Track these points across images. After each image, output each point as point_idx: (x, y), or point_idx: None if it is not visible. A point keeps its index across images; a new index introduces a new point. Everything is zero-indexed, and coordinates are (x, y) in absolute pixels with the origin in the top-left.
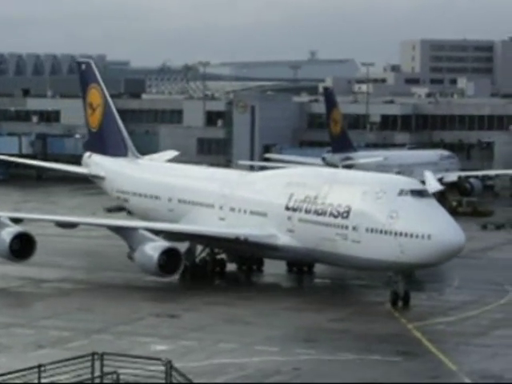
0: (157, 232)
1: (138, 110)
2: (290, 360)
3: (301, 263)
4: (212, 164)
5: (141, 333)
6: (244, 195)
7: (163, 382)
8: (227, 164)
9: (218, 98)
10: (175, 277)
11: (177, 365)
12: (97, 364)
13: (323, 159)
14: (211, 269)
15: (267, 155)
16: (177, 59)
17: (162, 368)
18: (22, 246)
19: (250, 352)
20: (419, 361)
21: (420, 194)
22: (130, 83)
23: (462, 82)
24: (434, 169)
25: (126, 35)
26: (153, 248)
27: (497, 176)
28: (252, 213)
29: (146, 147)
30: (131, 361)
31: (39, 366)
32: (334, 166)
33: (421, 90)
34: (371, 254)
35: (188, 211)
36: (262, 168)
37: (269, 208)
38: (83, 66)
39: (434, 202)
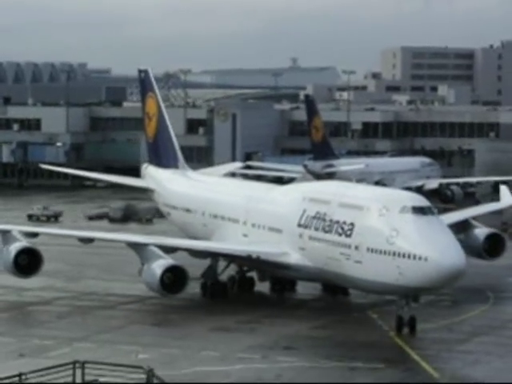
0: (175, 249)
1: (120, 118)
2: (272, 367)
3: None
4: None
5: (123, 341)
6: (264, 211)
7: None
8: None
9: (199, 105)
10: (181, 295)
11: (159, 373)
12: (78, 372)
13: (305, 167)
14: (239, 287)
15: (249, 163)
16: (158, 67)
17: (144, 376)
18: (29, 261)
19: (233, 360)
20: (401, 368)
21: (422, 211)
22: (112, 91)
23: (443, 90)
24: (415, 176)
25: (106, 43)
26: (157, 266)
27: (478, 183)
28: (270, 229)
29: (127, 155)
30: (112, 369)
31: (20, 375)
32: (316, 173)
33: (402, 98)
34: (372, 275)
35: (218, 226)
36: (244, 176)
37: (284, 224)
38: (142, 75)
39: (436, 220)
